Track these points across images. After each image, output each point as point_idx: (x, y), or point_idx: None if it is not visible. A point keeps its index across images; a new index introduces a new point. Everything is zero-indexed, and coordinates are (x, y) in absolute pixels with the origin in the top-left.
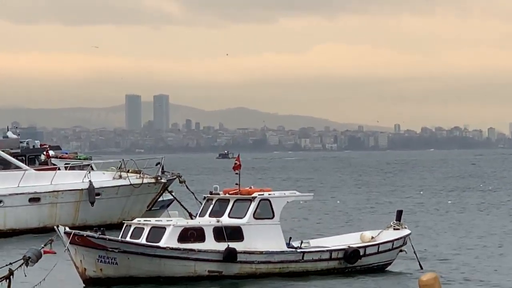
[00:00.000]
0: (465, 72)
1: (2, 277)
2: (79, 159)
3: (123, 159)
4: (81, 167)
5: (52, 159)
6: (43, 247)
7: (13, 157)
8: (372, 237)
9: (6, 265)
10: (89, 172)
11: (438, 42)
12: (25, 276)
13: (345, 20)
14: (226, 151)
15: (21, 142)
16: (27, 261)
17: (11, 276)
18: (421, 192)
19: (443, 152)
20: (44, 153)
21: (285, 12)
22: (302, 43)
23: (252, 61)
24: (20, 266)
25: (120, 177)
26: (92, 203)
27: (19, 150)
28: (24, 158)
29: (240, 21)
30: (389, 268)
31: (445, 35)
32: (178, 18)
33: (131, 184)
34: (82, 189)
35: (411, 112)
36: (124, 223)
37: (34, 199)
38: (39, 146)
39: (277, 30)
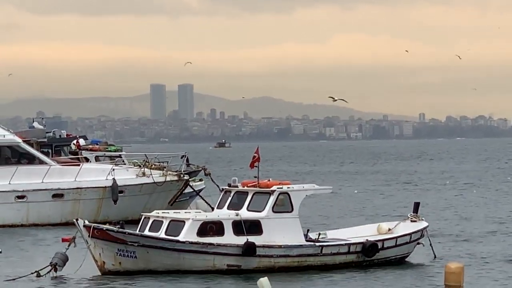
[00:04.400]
0: (489, 61)
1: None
2: (110, 150)
3: (146, 155)
4: (112, 160)
5: (82, 151)
6: (67, 249)
7: (40, 146)
8: (389, 229)
9: (32, 273)
10: (113, 170)
11: (459, 32)
12: (55, 281)
13: (364, 10)
14: (223, 140)
15: (47, 132)
16: (55, 267)
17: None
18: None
19: (470, 140)
20: (75, 142)
21: (303, 2)
22: (321, 33)
23: (272, 51)
24: (48, 272)
25: (144, 174)
26: (115, 201)
27: (45, 140)
28: (50, 148)
29: (258, 12)
30: (406, 260)
31: (467, 25)
32: (196, 8)
33: (154, 183)
34: (105, 187)
35: (435, 101)
36: (142, 215)
37: (58, 195)
38: (65, 136)
39: (296, 20)
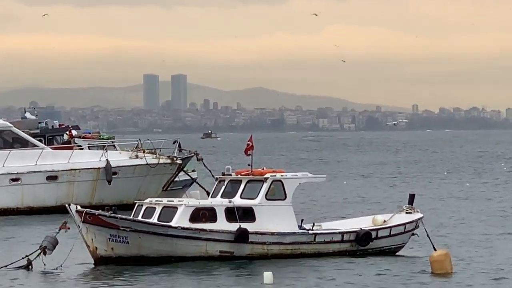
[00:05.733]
0: (482, 54)
1: (21, 266)
2: (102, 138)
3: (139, 139)
4: (104, 148)
5: (75, 139)
6: (57, 233)
7: (32, 138)
8: (384, 221)
9: (23, 257)
10: (106, 151)
11: (453, 24)
12: (44, 265)
13: (358, 2)
14: (209, 131)
15: (39, 123)
16: (44, 250)
17: (30, 266)
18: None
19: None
20: (67, 132)
21: None
22: (314, 24)
23: (265, 42)
24: (38, 255)
25: (137, 157)
26: (109, 182)
27: (38, 131)
28: (43, 138)
29: (252, 2)
30: (401, 251)
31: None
32: None
33: (147, 164)
34: (99, 168)
35: (428, 93)
36: (136, 203)
37: (52, 177)
38: (57, 127)
39: (288, 11)
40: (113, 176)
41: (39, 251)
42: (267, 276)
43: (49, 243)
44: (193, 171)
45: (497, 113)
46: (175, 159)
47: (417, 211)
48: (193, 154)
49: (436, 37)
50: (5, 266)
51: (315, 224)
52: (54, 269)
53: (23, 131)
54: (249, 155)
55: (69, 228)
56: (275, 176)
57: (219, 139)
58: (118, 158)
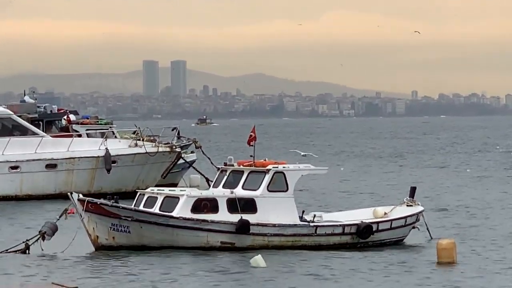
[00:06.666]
0: (483, 39)
1: (19, 250)
2: (101, 124)
3: (139, 127)
4: (103, 134)
5: (73, 125)
6: (58, 219)
7: (31, 122)
8: (385, 213)
9: (23, 242)
10: (106, 140)
11: (453, 9)
12: (42, 250)
13: None
14: (204, 116)
15: (38, 107)
16: (43, 235)
17: (27, 250)
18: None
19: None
20: (65, 118)
21: None
22: (312, 10)
23: (265, 28)
24: (37, 240)
25: (136, 145)
26: (109, 170)
27: (36, 115)
28: (41, 123)
29: None
30: (401, 244)
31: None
32: None
33: (146, 153)
34: (98, 156)
35: (428, 79)
36: (137, 191)
37: (51, 166)
38: (56, 111)
39: None
40: (112, 164)
41: (38, 236)
42: (257, 259)
43: (49, 228)
44: (192, 152)
45: (497, 99)
46: (174, 147)
47: (418, 204)
48: (191, 142)
49: (437, 22)
50: (6, 251)
51: (316, 215)
52: (54, 253)
53: (21, 115)
54: (252, 146)
55: (73, 213)
56: (277, 167)
57: (214, 125)
58: (118, 146)
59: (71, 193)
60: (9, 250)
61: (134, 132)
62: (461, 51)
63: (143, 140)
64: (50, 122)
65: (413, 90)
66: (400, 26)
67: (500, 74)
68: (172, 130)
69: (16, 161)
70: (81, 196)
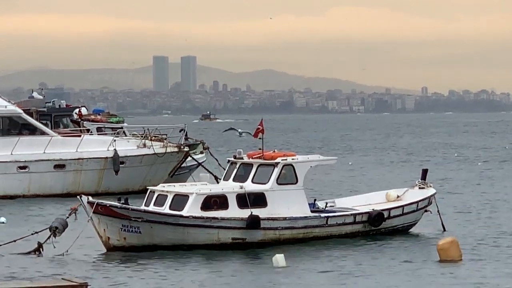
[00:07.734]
0: (493, 36)
1: (32, 251)
2: (111, 122)
3: (148, 128)
4: (112, 132)
5: (84, 122)
6: (68, 217)
7: (39, 116)
8: (398, 196)
9: (32, 234)
10: (115, 141)
11: (463, 6)
12: (54, 247)
13: None
14: (208, 112)
15: (47, 102)
16: (54, 231)
17: (41, 249)
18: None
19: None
20: (77, 112)
21: None
22: (320, 6)
23: (274, 24)
24: (48, 237)
25: (144, 145)
26: (117, 172)
27: (45, 110)
28: (49, 118)
29: None
30: (413, 229)
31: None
32: None
33: (155, 154)
34: (107, 158)
35: (438, 76)
36: (148, 189)
37: (59, 166)
38: (64, 106)
39: None
40: (120, 165)
41: (50, 233)
42: (279, 258)
43: (60, 224)
44: (201, 152)
45: (507, 95)
46: (182, 147)
47: (431, 186)
48: (199, 143)
49: (446, 19)
50: (14, 241)
51: (328, 201)
52: (63, 253)
53: (29, 110)
54: (259, 138)
55: (77, 209)
56: (286, 160)
57: (218, 121)
58: (126, 147)
59: (81, 196)
60: (22, 252)
61: (144, 134)
62: (471, 47)
63: (151, 140)
64: (58, 117)
65: (423, 86)
66: (410, 22)
67: (510, 71)
68: (180, 131)
69: (25, 161)
70: (90, 198)
